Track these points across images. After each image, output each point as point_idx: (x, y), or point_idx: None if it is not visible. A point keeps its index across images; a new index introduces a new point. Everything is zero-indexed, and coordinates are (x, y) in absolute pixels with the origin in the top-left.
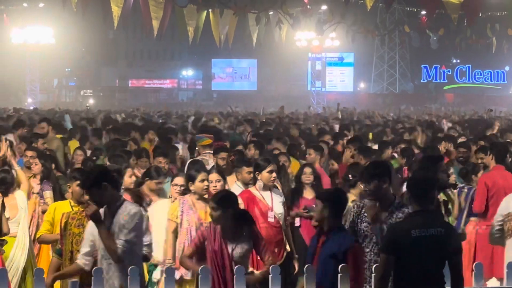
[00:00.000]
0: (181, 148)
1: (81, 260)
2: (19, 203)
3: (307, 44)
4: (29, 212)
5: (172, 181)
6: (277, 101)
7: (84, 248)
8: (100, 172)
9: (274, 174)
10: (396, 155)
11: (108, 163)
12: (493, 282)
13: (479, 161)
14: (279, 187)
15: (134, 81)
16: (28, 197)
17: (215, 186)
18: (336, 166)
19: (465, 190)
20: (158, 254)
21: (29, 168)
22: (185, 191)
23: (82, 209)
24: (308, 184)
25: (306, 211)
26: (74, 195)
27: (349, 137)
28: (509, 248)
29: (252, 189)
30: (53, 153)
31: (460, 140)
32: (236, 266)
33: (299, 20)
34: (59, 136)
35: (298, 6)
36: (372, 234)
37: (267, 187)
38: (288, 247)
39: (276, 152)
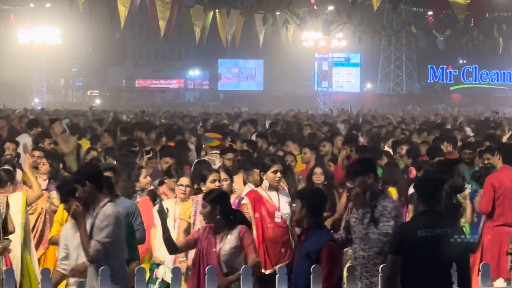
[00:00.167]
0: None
1: (60, 266)
2: (11, 206)
3: (313, 44)
4: (38, 208)
5: (177, 181)
6: (283, 102)
7: (61, 254)
8: (84, 171)
9: (278, 174)
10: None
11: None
12: (499, 282)
13: (486, 161)
14: (286, 187)
15: (141, 81)
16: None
17: (222, 185)
18: (332, 167)
19: (479, 194)
20: (161, 253)
21: (36, 168)
22: (198, 191)
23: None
24: (319, 184)
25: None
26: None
27: (360, 138)
28: None
29: (259, 189)
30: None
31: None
32: (208, 266)
33: (306, 20)
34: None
35: (305, 6)
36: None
37: (273, 187)
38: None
39: (280, 153)
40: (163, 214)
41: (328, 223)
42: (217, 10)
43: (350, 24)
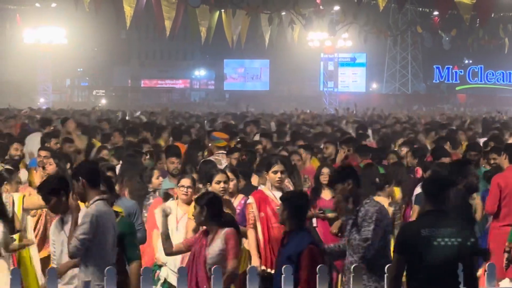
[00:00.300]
0: None
1: (53, 262)
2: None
3: (319, 44)
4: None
5: (178, 182)
6: (289, 102)
7: (51, 249)
8: (80, 167)
9: (279, 175)
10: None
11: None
12: (505, 282)
13: (491, 161)
14: (291, 187)
15: (147, 81)
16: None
17: (228, 186)
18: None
19: None
20: (163, 255)
21: (43, 168)
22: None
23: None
24: (326, 184)
25: (321, 212)
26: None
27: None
28: None
29: (264, 189)
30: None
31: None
32: (214, 266)
33: (312, 20)
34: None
35: (311, 6)
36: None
37: (279, 187)
38: None
39: (284, 153)
40: (166, 212)
41: (335, 227)
42: (222, 10)
43: (355, 24)
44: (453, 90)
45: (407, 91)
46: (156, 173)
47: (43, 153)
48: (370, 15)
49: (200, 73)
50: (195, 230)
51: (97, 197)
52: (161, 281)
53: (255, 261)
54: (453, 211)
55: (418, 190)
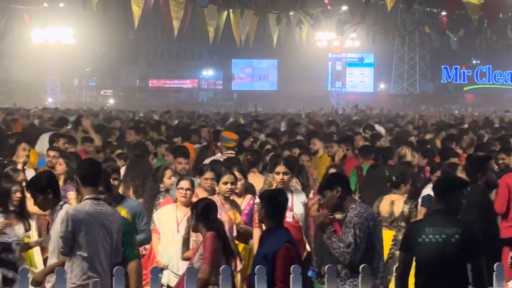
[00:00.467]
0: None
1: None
2: None
3: (327, 44)
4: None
5: (177, 185)
6: (297, 102)
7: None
8: (46, 178)
9: (281, 176)
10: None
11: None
12: None
13: (500, 161)
14: (299, 187)
15: (155, 81)
16: None
17: (235, 186)
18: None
19: None
20: (164, 258)
21: (52, 168)
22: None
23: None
24: None
25: (330, 214)
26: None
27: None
28: None
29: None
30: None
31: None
32: (222, 266)
33: (320, 20)
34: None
35: (319, 6)
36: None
37: (287, 188)
38: (308, 247)
39: (287, 153)
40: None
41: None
42: (231, 10)
43: (363, 24)
44: (461, 90)
45: (415, 91)
46: (168, 173)
47: (51, 153)
48: (378, 15)
49: (208, 73)
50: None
51: (87, 196)
52: (164, 287)
53: None
54: (472, 207)
55: (425, 191)
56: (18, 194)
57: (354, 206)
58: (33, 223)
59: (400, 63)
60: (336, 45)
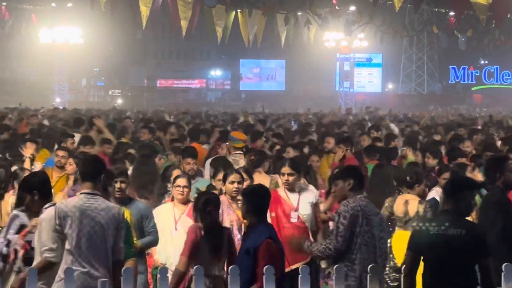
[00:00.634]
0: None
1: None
2: (8, 208)
3: (335, 44)
4: None
5: (174, 182)
6: (305, 102)
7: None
8: (35, 179)
9: (286, 177)
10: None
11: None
12: None
13: (509, 161)
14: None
15: (163, 81)
16: None
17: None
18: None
19: None
20: (162, 256)
21: (61, 168)
22: (220, 190)
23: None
24: None
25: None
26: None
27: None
28: None
29: (279, 189)
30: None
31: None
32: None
33: (328, 20)
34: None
35: (327, 6)
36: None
37: (294, 189)
38: None
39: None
40: None
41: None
42: (239, 10)
43: (371, 25)
44: (469, 91)
45: (423, 91)
46: (175, 172)
47: (60, 153)
48: (386, 16)
49: (216, 73)
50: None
51: (82, 191)
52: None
53: None
54: (491, 208)
55: (430, 194)
56: None
57: (350, 200)
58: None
59: (408, 63)
60: (344, 45)
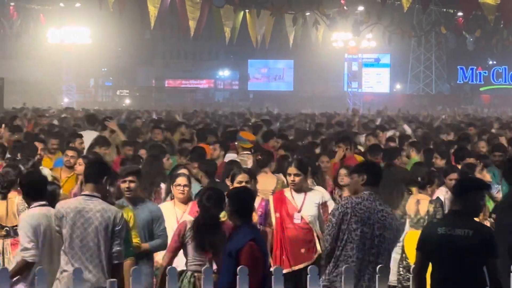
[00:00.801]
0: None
1: None
2: (14, 208)
3: (343, 45)
4: None
5: (174, 182)
6: (313, 102)
7: None
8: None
9: (292, 177)
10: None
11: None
12: None
13: None
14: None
15: (171, 81)
16: None
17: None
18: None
19: None
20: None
21: (70, 168)
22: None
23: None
24: (345, 185)
25: None
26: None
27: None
28: None
29: (285, 189)
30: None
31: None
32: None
33: (336, 21)
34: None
35: (335, 7)
36: None
37: (300, 189)
38: (319, 249)
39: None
40: None
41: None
42: (247, 10)
43: (380, 25)
44: (477, 91)
45: (431, 91)
46: (183, 171)
47: (70, 152)
48: (394, 16)
49: (224, 73)
50: None
51: (83, 192)
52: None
53: None
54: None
55: (436, 193)
56: None
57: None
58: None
59: (416, 64)
60: (352, 46)
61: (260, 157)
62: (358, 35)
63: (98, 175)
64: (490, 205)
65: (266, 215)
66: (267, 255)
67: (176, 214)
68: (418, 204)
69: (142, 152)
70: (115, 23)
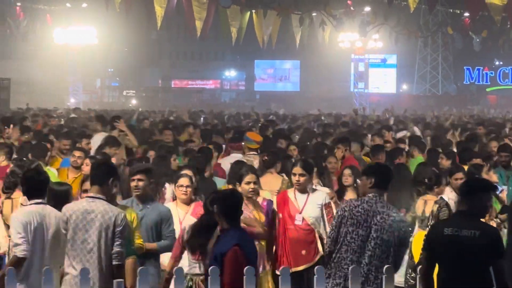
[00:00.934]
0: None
1: None
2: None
3: (350, 45)
4: None
5: (176, 182)
6: (319, 102)
7: None
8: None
9: (297, 177)
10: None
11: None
12: None
13: None
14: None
15: (177, 82)
16: None
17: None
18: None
19: None
20: (166, 259)
21: (77, 168)
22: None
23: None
24: (349, 186)
25: None
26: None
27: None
28: None
29: (289, 190)
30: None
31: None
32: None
33: (342, 21)
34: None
35: (342, 7)
36: None
37: (304, 190)
38: (321, 251)
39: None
40: None
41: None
42: (253, 11)
43: (386, 25)
44: (484, 92)
45: (438, 92)
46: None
47: (77, 153)
48: (401, 16)
49: (231, 73)
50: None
51: (87, 194)
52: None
53: None
54: None
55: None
56: None
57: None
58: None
59: (422, 64)
60: (359, 46)
61: (266, 157)
62: (364, 35)
63: (103, 177)
64: (497, 205)
65: (269, 215)
66: (254, 259)
67: (178, 215)
68: (425, 205)
69: (151, 153)
70: (121, 24)
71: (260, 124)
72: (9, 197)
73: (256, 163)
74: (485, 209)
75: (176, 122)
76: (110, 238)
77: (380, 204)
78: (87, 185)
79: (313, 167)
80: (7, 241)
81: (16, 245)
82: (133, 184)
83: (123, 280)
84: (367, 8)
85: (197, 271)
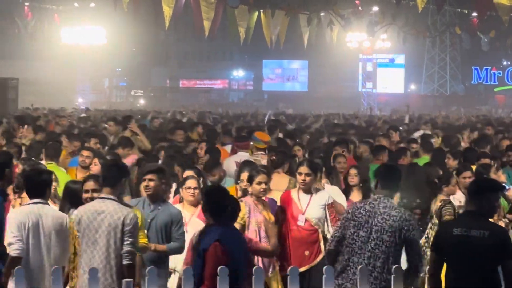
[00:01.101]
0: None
1: None
2: None
3: (358, 45)
4: None
5: (184, 184)
6: (327, 102)
7: None
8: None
9: (302, 177)
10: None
11: None
12: None
13: None
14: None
15: (185, 82)
16: None
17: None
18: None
19: None
20: (171, 261)
21: (85, 168)
22: (245, 191)
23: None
24: (354, 185)
25: None
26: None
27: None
28: None
29: (293, 190)
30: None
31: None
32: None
33: (351, 21)
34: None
35: (350, 7)
36: None
37: (309, 190)
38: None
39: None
40: None
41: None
42: (261, 11)
43: (394, 25)
44: (492, 92)
45: (446, 92)
46: (187, 173)
47: (85, 153)
48: (409, 16)
49: (239, 73)
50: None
51: (99, 195)
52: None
53: None
54: None
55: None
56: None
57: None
58: None
59: (430, 64)
60: (367, 46)
61: (274, 157)
62: (372, 35)
63: (115, 178)
64: (505, 205)
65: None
66: (238, 255)
67: (184, 217)
68: (434, 204)
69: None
70: (129, 23)
71: (267, 124)
72: (19, 197)
73: (263, 163)
74: (493, 209)
75: (184, 122)
76: (120, 238)
77: (382, 205)
78: (88, 185)
79: (319, 167)
80: None
81: (10, 244)
82: (144, 183)
83: (132, 280)
84: (375, 8)
85: None
